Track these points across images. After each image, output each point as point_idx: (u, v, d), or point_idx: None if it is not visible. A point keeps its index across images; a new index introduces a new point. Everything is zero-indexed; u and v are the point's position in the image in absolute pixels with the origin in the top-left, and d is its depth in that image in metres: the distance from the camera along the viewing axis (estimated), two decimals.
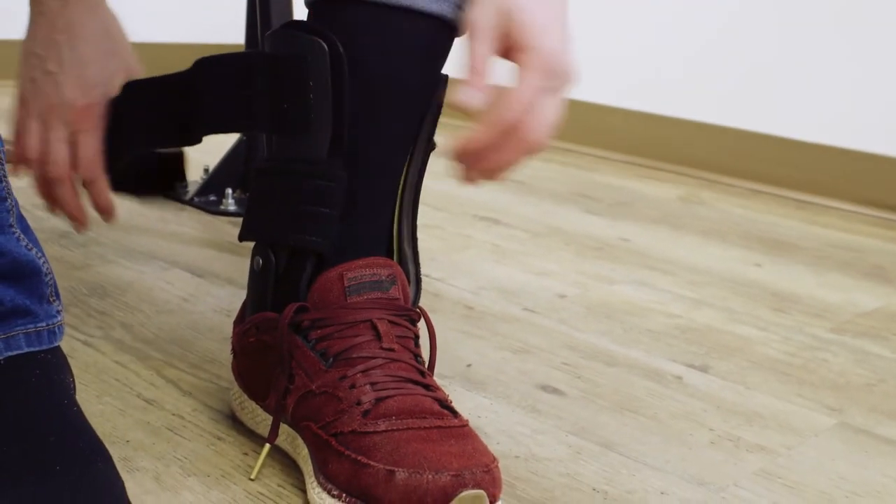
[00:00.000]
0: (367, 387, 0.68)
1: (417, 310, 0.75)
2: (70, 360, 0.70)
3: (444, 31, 0.74)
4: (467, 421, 0.69)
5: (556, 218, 1.64)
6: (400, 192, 0.77)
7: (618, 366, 1.01)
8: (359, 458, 0.65)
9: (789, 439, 0.88)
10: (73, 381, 0.69)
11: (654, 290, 1.28)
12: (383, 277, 0.73)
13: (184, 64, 0.80)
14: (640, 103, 2.33)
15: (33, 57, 0.90)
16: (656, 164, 2.27)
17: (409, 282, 0.77)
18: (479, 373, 0.96)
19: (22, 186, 0.80)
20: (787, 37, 2.11)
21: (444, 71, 0.77)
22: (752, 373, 1.03)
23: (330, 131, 0.72)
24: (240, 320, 0.80)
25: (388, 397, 0.68)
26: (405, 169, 0.77)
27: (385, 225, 0.77)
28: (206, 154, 1.77)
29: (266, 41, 0.75)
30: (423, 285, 1.19)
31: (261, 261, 0.76)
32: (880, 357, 1.11)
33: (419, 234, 0.81)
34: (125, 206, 1.42)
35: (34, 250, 0.67)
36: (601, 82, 2.38)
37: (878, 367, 1.08)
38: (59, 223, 1.30)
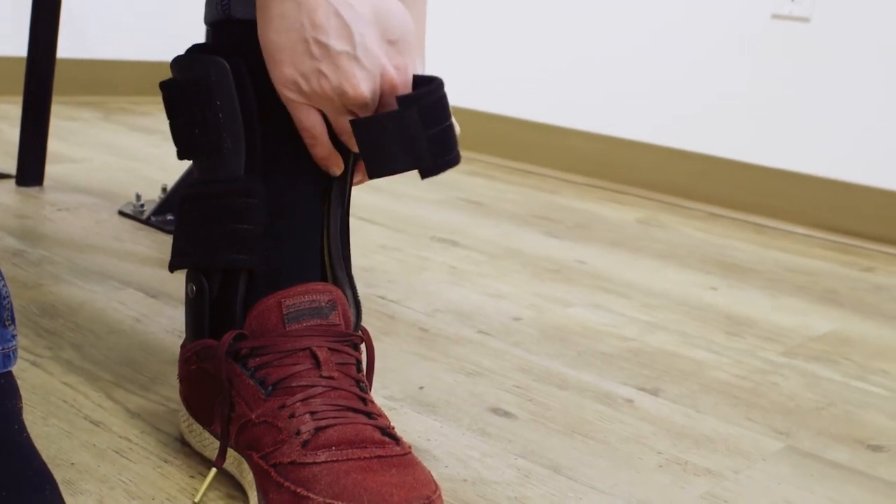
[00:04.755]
0: (307, 416, 0.68)
1: (360, 333, 0.75)
2: (18, 381, 0.69)
3: None
4: (410, 448, 0.69)
5: (514, 240, 1.65)
6: (326, 210, 0.76)
7: (569, 389, 1.01)
8: (298, 490, 0.64)
9: (737, 463, 0.89)
10: (21, 404, 0.68)
11: (608, 312, 1.29)
12: (323, 304, 0.72)
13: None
14: (601, 126, 2.35)
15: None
16: (617, 186, 2.28)
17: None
18: (430, 395, 0.96)
19: None
20: (746, 65, 2.14)
21: None
22: (703, 396, 1.03)
23: (244, 149, 0.72)
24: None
25: (328, 426, 0.67)
26: (328, 183, 0.76)
27: (316, 248, 0.76)
28: (163, 172, 1.76)
29: (172, 67, 0.75)
30: (379, 307, 1.20)
31: (194, 287, 0.75)
32: (830, 381, 1.13)
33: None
34: (79, 225, 1.41)
35: None
36: (562, 105, 2.40)
37: (827, 391, 1.09)
38: (11, 241, 1.29)
